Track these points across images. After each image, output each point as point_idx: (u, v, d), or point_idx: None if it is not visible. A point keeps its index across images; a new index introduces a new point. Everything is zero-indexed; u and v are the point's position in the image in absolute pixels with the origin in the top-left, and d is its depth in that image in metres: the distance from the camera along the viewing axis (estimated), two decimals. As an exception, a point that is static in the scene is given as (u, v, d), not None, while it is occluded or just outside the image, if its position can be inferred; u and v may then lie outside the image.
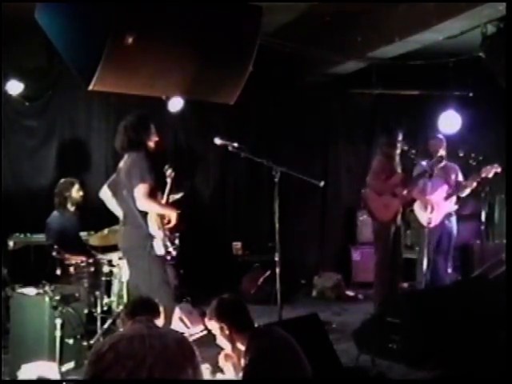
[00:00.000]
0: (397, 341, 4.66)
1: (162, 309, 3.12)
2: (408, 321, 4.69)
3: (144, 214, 4.37)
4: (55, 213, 5.76)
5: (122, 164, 4.53)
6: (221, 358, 3.28)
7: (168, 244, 4.42)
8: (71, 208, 5.82)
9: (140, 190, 4.28)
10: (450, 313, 4.74)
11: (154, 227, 4.36)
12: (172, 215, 4.49)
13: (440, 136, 6.40)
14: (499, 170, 5.90)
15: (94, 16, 3.86)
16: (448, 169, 6.34)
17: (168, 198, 4.69)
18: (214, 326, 3.16)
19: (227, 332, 3.10)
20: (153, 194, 4.37)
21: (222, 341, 3.17)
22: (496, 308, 4.58)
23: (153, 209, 4.37)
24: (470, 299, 4.99)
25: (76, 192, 5.83)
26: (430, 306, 4.83)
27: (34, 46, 6.06)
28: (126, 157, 4.50)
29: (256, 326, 3.19)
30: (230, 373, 3.27)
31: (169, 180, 4.70)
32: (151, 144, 4.52)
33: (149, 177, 4.31)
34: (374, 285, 6.29)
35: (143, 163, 4.34)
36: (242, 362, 3.06)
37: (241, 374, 3.05)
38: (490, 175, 5.94)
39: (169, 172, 4.71)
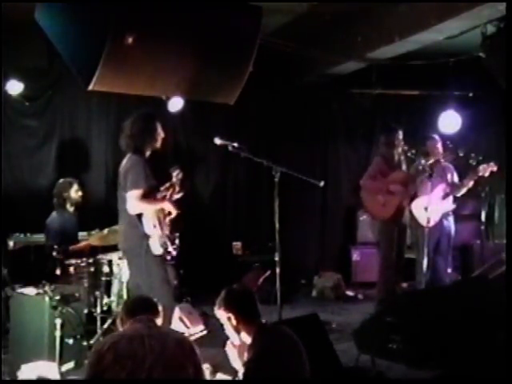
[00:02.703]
0: (397, 341, 4.65)
1: (161, 308, 3.12)
2: (408, 321, 4.69)
3: (139, 214, 4.39)
4: (54, 214, 5.75)
5: (123, 164, 4.56)
6: (228, 343, 3.29)
7: (168, 243, 4.43)
8: (70, 208, 5.81)
9: (132, 195, 4.34)
10: (449, 313, 4.73)
11: (149, 226, 4.38)
12: (168, 207, 4.50)
13: (436, 136, 6.41)
14: (495, 168, 5.92)
15: (94, 16, 3.85)
16: (445, 168, 6.35)
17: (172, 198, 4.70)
18: (221, 315, 3.16)
19: (234, 322, 3.11)
20: (145, 198, 4.39)
21: (229, 331, 3.17)
22: (496, 308, 4.58)
23: (144, 209, 4.40)
24: (469, 299, 4.98)
25: (75, 192, 5.82)
26: (430, 306, 4.83)
27: (34, 46, 6.06)
28: (127, 157, 4.53)
29: (264, 322, 3.19)
30: (234, 360, 3.29)
31: (175, 180, 4.70)
32: (157, 145, 4.58)
33: (143, 183, 4.36)
34: (377, 284, 6.29)
35: (140, 169, 4.38)
36: (246, 355, 3.07)
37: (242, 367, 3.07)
38: (487, 174, 5.95)
39: (176, 173, 4.72)
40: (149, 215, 4.41)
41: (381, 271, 6.22)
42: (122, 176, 4.46)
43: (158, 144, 4.59)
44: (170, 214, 4.52)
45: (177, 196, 4.71)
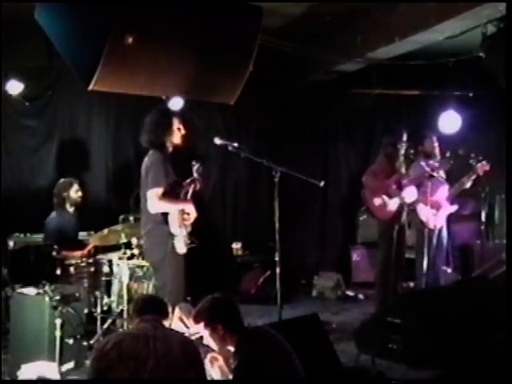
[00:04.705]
0: (397, 341, 4.66)
1: (170, 309, 3.10)
2: (408, 321, 4.69)
3: (166, 213, 4.40)
4: (54, 213, 5.75)
5: (144, 161, 4.59)
6: (207, 361, 3.19)
7: (188, 242, 4.46)
8: (70, 208, 5.81)
9: (152, 194, 4.34)
10: (449, 313, 4.74)
11: (175, 226, 4.40)
12: (189, 208, 4.51)
13: (433, 135, 6.42)
14: (487, 167, 5.99)
15: (94, 16, 3.86)
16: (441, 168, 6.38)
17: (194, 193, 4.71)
18: (203, 327, 3.10)
19: (221, 332, 3.05)
20: (167, 196, 4.40)
21: (211, 341, 3.12)
22: (496, 308, 4.58)
23: (165, 208, 4.40)
24: (469, 299, 4.98)
25: (74, 192, 5.82)
26: (431, 306, 4.83)
27: (34, 45, 6.05)
28: (149, 153, 4.56)
29: (246, 326, 3.17)
30: (216, 375, 3.20)
31: (195, 175, 4.70)
32: (175, 140, 4.58)
33: (163, 182, 4.36)
34: (376, 284, 6.29)
35: (160, 167, 4.39)
36: (231, 362, 3.02)
37: (229, 376, 3.04)
38: (481, 173, 6.00)
39: (196, 167, 4.71)
40: (175, 215, 4.42)
41: (380, 272, 6.21)
42: (144, 173, 4.48)
43: (177, 139, 4.60)
44: (188, 215, 4.51)
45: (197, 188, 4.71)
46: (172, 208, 4.43)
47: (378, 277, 6.25)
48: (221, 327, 3.05)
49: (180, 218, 4.45)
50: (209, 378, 3.25)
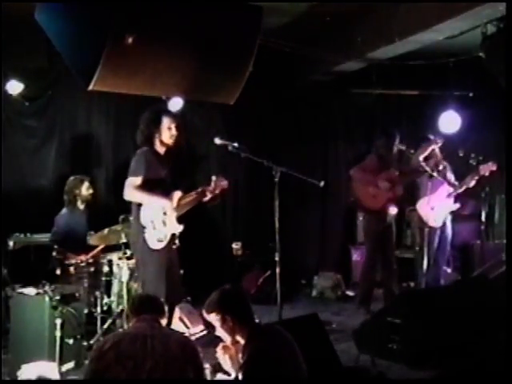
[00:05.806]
0: (397, 341, 4.65)
1: (166, 308, 3.11)
2: (408, 321, 4.69)
3: (138, 205, 4.44)
4: (64, 210, 5.76)
5: None
6: (219, 349, 3.23)
7: (161, 239, 4.43)
8: (81, 206, 5.83)
9: (127, 182, 4.42)
10: (449, 313, 4.73)
11: (145, 218, 4.41)
12: (165, 205, 4.47)
13: (431, 137, 6.44)
14: (494, 167, 5.98)
15: (93, 16, 3.86)
16: (445, 167, 6.38)
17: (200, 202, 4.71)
18: (214, 317, 3.11)
19: (230, 324, 3.06)
20: (144, 188, 4.42)
21: (222, 333, 3.13)
22: (496, 308, 4.57)
23: (137, 198, 4.45)
24: (470, 299, 4.98)
25: (86, 190, 5.84)
26: (430, 306, 4.83)
27: (34, 45, 6.06)
28: None
29: (257, 322, 3.17)
30: (226, 365, 3.24)
31: (213, 185, 4.67)
32: (164, 139, 4.60)
33: (141, 172, 4.42)
34: (359, 284, 6.42)
35: (142, 158, 4.47)
36: (240, 356, 3.04)
37: (238, 368, 3.04)
38: (487, 173, 6.00)
39: (217, 180, 4.69)
40: (151, 208, 4.43)
41: (363, 271, 6.32)
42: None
43: (166, 138, 4.61)
44: (165, 213, 4.50)
45: (205, 199, 4.73)
46: (144, 199, 4.45)
47: (360, 275, 6.38)
48: (230, 318, 3.06)
49: (159, 212, 4.44)
50: (219, 374, 3.29)
